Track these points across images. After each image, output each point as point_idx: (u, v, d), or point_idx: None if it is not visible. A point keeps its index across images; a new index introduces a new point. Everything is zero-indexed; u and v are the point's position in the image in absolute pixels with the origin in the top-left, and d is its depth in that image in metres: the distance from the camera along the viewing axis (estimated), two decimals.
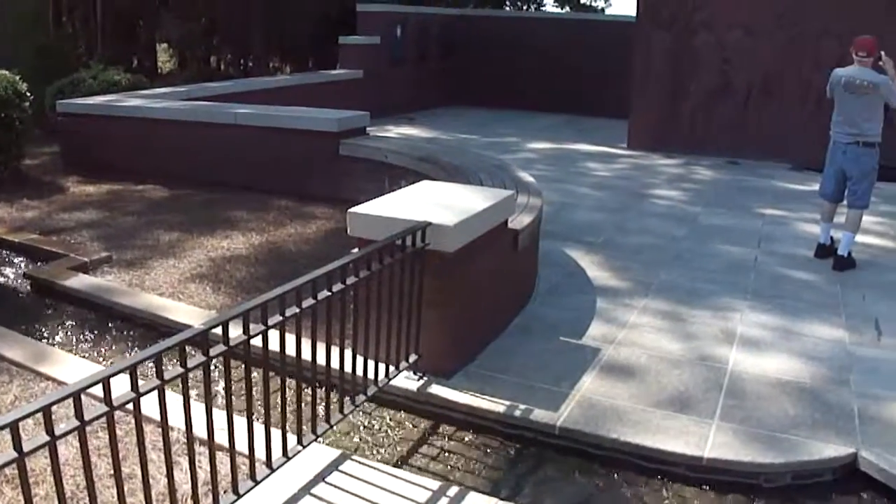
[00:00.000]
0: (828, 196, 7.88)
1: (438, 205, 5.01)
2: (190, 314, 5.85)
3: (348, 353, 4.17)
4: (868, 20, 13.13)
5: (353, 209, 4.88)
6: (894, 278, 7.42)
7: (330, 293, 3.80)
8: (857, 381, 5.18)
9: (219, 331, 3.14)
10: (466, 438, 4.56)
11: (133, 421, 2.91)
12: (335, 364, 4.02)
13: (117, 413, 2.77)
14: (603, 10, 32.59)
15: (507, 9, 29.36)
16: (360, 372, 4.32)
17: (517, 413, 4.58)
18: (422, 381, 4.86)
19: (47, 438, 2.51)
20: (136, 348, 5.52)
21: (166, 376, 2.90)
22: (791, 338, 5.87)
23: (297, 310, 3.57)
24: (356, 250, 4.39)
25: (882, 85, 7.28)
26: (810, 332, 5.99)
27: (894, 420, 4.69)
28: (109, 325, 5.96)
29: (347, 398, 4.26)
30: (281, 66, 26.59)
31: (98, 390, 2.67)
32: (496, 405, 4.65)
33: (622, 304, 6.37)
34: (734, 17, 13.82)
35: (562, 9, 31.59)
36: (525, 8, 30.41)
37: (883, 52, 7.44)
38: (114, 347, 5.58)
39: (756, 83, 13.90)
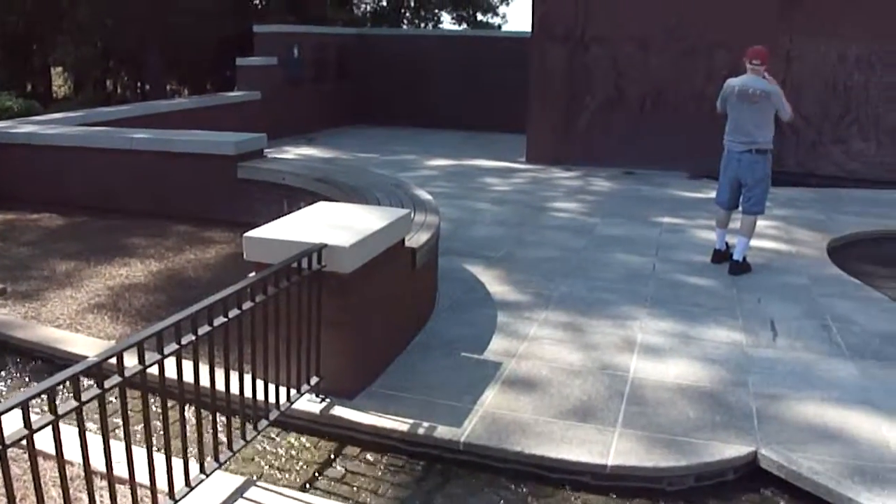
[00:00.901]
0: (723, 203, 8.10)
1: (335, 226, 5.02)
2: (88, 346, 5.73)
3: (249, 378, 4.14)
4: (758, 32, 13.57)
5: (248, 233, 4.85)
6: (788, 280, 7.66)
7: (226, 319, 3.77)
8: (755, 382, 5.34)
9: (114, 361, 3.10)
10: (372, 459, 4.55)
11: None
12: (235, 390, 3.99)
13: (15, 450, 2.70)
14: (500, 26, 32.91)
15: (405, 27, 29.49)
16: (261, 397, 4.28)
17: (421, 431, 4.59)
18: (324, 403, 4.84)
19: None
20: (33, 383, 5.38)
21: (60, 410, 2.84)
22: (690, 343, 6.01)
23: (194, 337, 3.53)
24: (253, 274, 4.37)
25: (773, 94, 7.53)
26: (708, 337, 6.15)
27: (791, 418, 4.86)
28: (5, 359, 5.79)
29: (250, 424, 4.22)
30: (179, 89, 26.30)
31: None
32: (400, 424, 4.65)
33: (523, 318, 6.42)
34: (627, 31, 14.12)
35: (459, 26, 31.82)
36: (423, 26, 30.57)
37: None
38: (9, 383, 5.44)
39: (650, 95, 14.23)
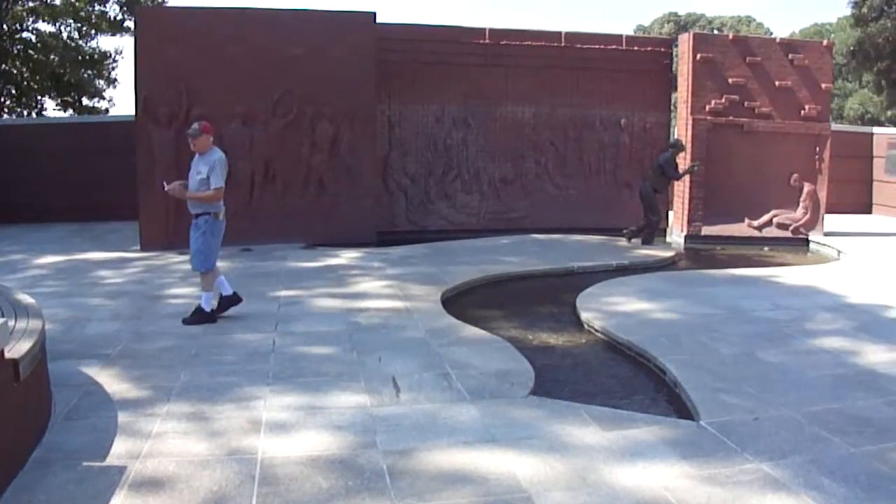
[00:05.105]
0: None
1: None
2: None
3: None
4: (359, 101, 14.36)
5: None
6: (406, 336, 8.08)
7: None
8: (383, 441, 5.56)
9: None
10: None
11: None
12: None
13: None
14: (108, 110, 31.95)
15: (5, 116, 27.88)
16: None
17: None
18: None
19: None
20: None
21: None
22: (316, 413, 6.11)
23: None
24: None
25: None
26: (333, 404, 6.30)
27: (422, 469, 5.12)
28: None
29: None
30: None
31: None
32: None
33: (145, 415, 6.16)
34: (230, 109, 14.29)
35: (65, 112, 30.51)
36: (25, 114, 29.09)
37: None
38: None
39: (259, 169, 14.45)
